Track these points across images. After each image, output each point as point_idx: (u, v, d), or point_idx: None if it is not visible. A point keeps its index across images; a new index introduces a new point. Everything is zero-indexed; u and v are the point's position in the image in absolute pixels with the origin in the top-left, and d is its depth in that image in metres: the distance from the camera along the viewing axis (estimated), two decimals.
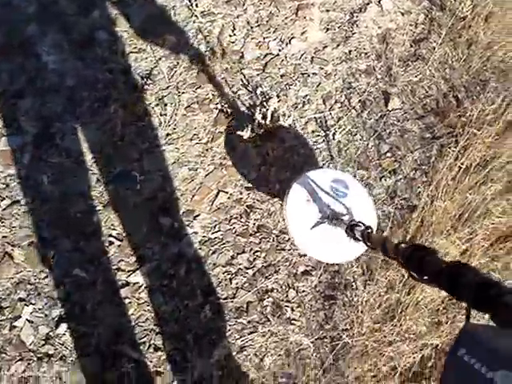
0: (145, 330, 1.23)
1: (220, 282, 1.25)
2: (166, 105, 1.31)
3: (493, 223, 1.22)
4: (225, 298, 1.24)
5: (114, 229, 1.26)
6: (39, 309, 1.21)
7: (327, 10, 1.30)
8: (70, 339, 1.19)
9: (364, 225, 0.80)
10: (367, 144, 1.19)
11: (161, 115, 1.30)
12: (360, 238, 0.78)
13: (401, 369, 1.19)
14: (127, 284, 1.25)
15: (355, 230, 0.84)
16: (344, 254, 1.05)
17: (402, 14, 1.30)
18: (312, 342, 1.24)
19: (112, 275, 1.24)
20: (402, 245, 0.56)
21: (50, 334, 1.18)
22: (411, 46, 1.28)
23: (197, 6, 1.35)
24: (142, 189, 1.27)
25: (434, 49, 1.27)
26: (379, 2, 1.31)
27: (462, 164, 1.20)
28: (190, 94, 1.32)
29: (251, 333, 1.22)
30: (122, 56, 1.34)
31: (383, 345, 1.20)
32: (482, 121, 1.27)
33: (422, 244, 0.52)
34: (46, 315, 1.19)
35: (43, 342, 1.17)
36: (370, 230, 0.76)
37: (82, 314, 1.21)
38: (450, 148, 1.22)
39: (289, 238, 1.27)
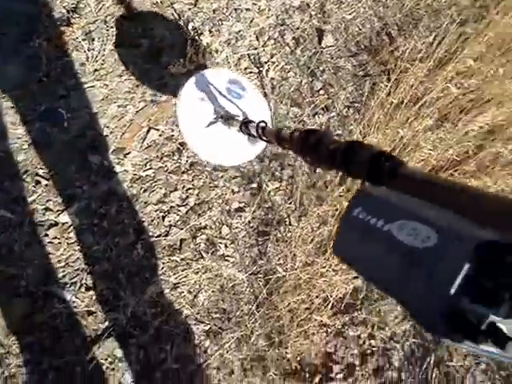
0: (76, 269, 1.49)
1: (152, 220, 1.53)
2: (93, 39, 1.55)
3: (422, 157, 1.58)
4: (157, 236, 1.52)
5: (40, 168, 1.50)
6: None
7: None
8: None
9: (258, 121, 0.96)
10: (301, 81, 1.44)
11: (88, 50, 1.54)
12: (254, 134, 0.97)
13: (333, 300, 1.52)
14: (56, 224, 1.50)
15: (249, 126, 1.02)
16: (239, 154, 1.26)
17: None
18: (246, 277, 1.56)
19: (40, 215, 1.49)
20: (296, 132, 0.67)
21: None
22: None
23: None
24: (70, 126, 1.52)
25: None
26: None
27: (394, 99, 1.53)
28: (119, 28, 1.59)
29: (184, 269, 1.51)
30: None
31: (316, 277, 1.52)
32: (413, 57, 1.50)
33: (316, 128, 0.73)
34: None
35: None
36: (263, 124, 0.93)
37: (9, 255, 1.45)
38: (382, 84, 1.52)
39: (222, 175, 1.58)
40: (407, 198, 0.36)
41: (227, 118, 1.17)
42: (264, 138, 0.90)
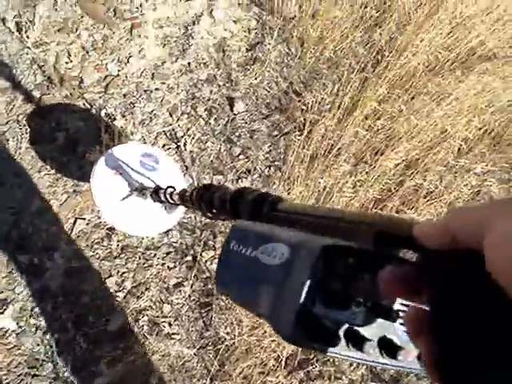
0: (18, 375, 1.77)
1: (90, 311, 1.87)
2: (8, 140, 1.95)
3: (346, 201, 2.01)
4: (98, 326, 1.85)
5: None
6: None
7: (161, 27, 1.93)
8: None
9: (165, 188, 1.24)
10: (219, 149, 1.82)
11: (3, 151, 1.94)
12: (163, 199, 1.25)
13: (285, 358, 1.87)
14: None
15: (159, 193, 1.30)
16: (158, 224, 1.57)
17: (235, 22, 1.97)
18: (195, 352, 1.88)
19: None
20: (195, 190, 0.86)
21: None
22: (247, 51, 1.97)
23: (28, 37, 2.02)
24: None
25: (269, 51, 1.95)
26: (211, 12, 1.93)
27: (309, 151, 1.97)
28: (33, 126, 1.99)
29: (131, 355, 1.84)
30: None
31: (264, 339, 1.88)
32: (321, 109, 1.90)
33: (211, 183, 0.83)
34: None
35: None
36: (171, 190, 1.20)
37: None
38: (295, 139, 1.98)
39: (155, 254, 1.94)
40: (271, 226, 0.47)
41: (141, 190, 1.48)
42: (172, 202, 1.20)
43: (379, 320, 0.38)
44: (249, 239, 0.46)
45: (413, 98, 1.91)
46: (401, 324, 0.39)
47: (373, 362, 0.38)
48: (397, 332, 0.39)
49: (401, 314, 0.39)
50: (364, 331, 0.38)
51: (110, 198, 1.53)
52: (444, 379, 0.28)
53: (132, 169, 1.55)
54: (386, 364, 0.39)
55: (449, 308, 0.29)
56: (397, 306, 0.39)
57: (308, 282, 0.35)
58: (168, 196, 1.22)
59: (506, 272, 0.24)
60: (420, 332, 0.31)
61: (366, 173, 1.84)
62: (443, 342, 0.29)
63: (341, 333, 0.37)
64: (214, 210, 0.78)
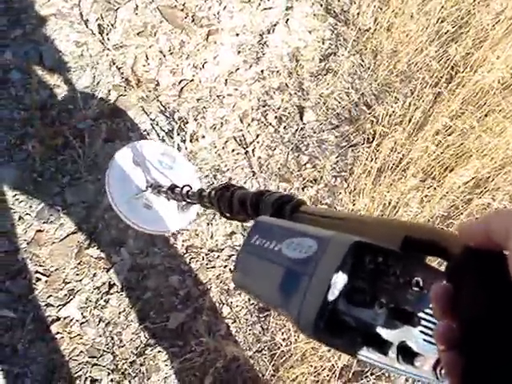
0: (79, 363, 1.86)
1: (152, 307, 1.95)
2: (84, 137, 2.08)
3: (410, 216, 2.02)
4: (159, 322, 1.93)
5: (40, 265, 1.93)
6: None
7: (237, 34, 2.00)
8: (5, 382, 1.83)
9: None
10: (287, 157, 1.86)
11: (79, 148, 2.05)
12: (179, 198, 1.28)
13: (340, 369, 1.89)
14: (58, 319, 1.90)
15: (175, 191, 1.33)
16: (170, 222, 1.59)
17: (310, 32, 2.02)
18: (250, 356, 1.94)
19: (42, 312, 1.90)
20: (213, 190, 0.87)
21: None
22: (320, 61, 2.01)
23: (109, 39, 2.15)
24: (66, 222, 1.99)
25: (343, 62, 1.98)
26: (286, 22, 2.00)
27: (377, 164, 2.00)
28: (108, 125, 2.12)
29: (189, 352, 1.90)
30: (36, 94, 2.11)
31: (320, 347, 1.90)
32: (391, 122, 1.92)
33: (231, 183, 0.85)
34: None
35: None
36: (188, 188, 1.22)
37: (13, 354, 1.85)
38: (364, 151, 2.02)
39: (218, 256, 2.01)
40: (299, 224, 0.49)
41: (156, 187, 1.52)
42: (189, 200, 1.23)
43: (400, 324, 0.39)
44: (273, 233, 0.47)
45: (486, 115, 1.91)
46: (421, 332, 0.40)
47: (388, 365, 0.39)
48: (416, 339, 0.40)
49: (422, 321, 0.40)
50: (384, 334, 0.38)
51: (124, 192, 1.58)
52: None
53: (151, 164, 1.60)
54: (401, 370, 0.39)
55: (479, 322, 0.29)
56: (420, 313, 0.40)
57: (335, 276, 0.36)
58: (184, 194, 1.27)
59: None
60: (448, 345, 0.32)
61: (434, 189, 1.85)
62: (472, 356, 0.29)
63: (361, 333, 0.37)
64: (233, 211, 0.79)
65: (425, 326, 0.40)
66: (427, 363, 0.39)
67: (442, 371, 0.40)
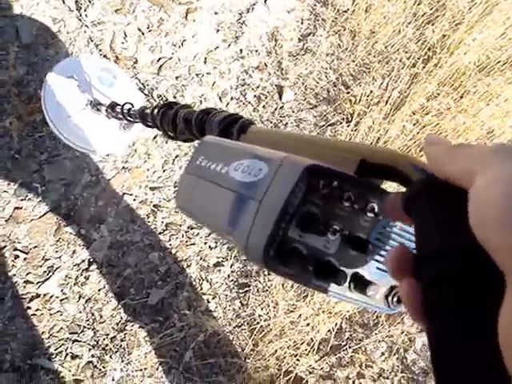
0: (60, 339, 1.94)
1: (133, 283, 2.04)
2: None
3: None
4: (139, 299, 2.02)
5: (18, 242, 2.00)
6: None
7: (216, 13, 2.07)
8: None
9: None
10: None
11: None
12: (120, 116, 1.30)
13: (318, 343, 2.01)
14: (37, 296, 1.96)
15: (116, 108, 1.34)
16: (110, 142, 1.63)
17: (288, 12, 2.10)
18: (230, 331, 2.05)
19: (21, 289, 1.97)
20: (157, 108, 0.87)
21: None
22: (299, 41, 2.09)
23: (86, 16, 2.22)
24: (45, 199, 2.05)
25: (321, 42, 2.06)
26: (265, 2, 2.06)
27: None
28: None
29: (168, 328, 2.00)
30: (13, 70, 2.18)
31: (299, 323, 2.02)
32: (369, 102, 2.12)
33: (175, 101, 0.85)
34: None
35: None
36: (129, 106, 1.22)
37: None
38: (342, 129, 2.15)
39: (198, 233, 2.11)
40: (249, 145, 0.47)
41: (96, 104, 1.51)
42: (129, 119, 1.22)
43: (353, 252, 0.39)
44: (219, 155, 0.45)
45: (461, 96, 2.04)
46: (374, 260, 0.40)
47: (340, 294, 0.39)
48: (369, 267, 0.40)
49: (376, 248, 0.40)
50: (337, 262, 0.38)
51: (62, 109, 1.57)
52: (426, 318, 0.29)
53: (90, 81, 1.58)
54: (353, 299, 0.39)
55: (436, 256, 0.29)
56: (374, 240, 0.40)
57: (286, 200, 0.35)
58: (125, 112, 1.27)
59: (484, 227, 0.25)
60: (403, 271, 0.32)
61: None
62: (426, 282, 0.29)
63: (313, 261, 0.37)
64: (177, 130, 0.77)
65: (378, 254, 0.40)
66: (379, 292, 0.40)
67: (394, 299, 0.41)
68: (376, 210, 0.40)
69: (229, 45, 2.07)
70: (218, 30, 2.08)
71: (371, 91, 2.01)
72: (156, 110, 0.88)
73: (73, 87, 1.59)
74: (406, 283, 0.31)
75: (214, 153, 0.47)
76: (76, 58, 1.65)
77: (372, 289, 0.39)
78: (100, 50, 1.98)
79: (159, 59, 2.02)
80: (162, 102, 0.87)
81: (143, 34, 2.03)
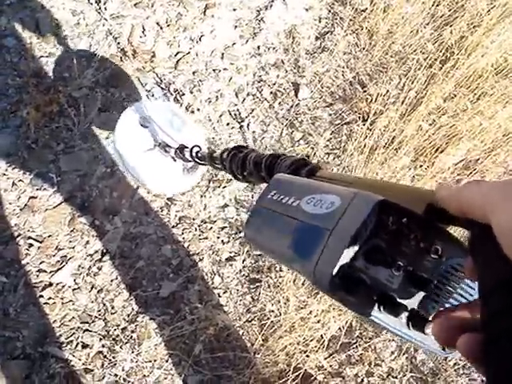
0: (71, 328, 1.99)
1: (145, 276, 2.10)
2: (79, 105, 2.21)
3: None
4: (151, 291, 2.08)
5: (32, 231, 2.06)
6: None
7: (234, 9, 2.13)
8: None
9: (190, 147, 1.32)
10: (281, 133, 2.00)
11: (74, 116, 2.16)
12: (189, 158, 1.37)
13: (328, 340, 2.05)
14: (50, 285, 2.02)
15: (184, 151, 1.44)
16: (174, 184, 1.76)
17: (306, 10, 2.16)
18: (240, 326, 2.10)
19: (34, 277, 2.02)
20: (226, 152, 0.92)
21: None
22: (317, 39, 2.14)
23: (105, 9, 2.29)
24: (60, 189, 2.10)
25: (338, 41, 2.12)
26: None
27: (370, 141, 2.16)
28: (104, 94, 2.26)
29: (179, 321, 2.05)
30: (32, 60, 2.22)
31: (309, 319, 2.07)
32: (386, 102, 2.14)
33: (242, 145, 0.90)
34: None
35: None
36: (197, 148, 1.30)
37: (5, 318, 1.93)
38: (358, 128, 2.15)
39: (211, 227, 2.16)
40: (320, 182, 0.51)
41: (164, 146, 1.65)
42: (198, 161, 1.30)
43: (414, 290, 0.41)
44: (291, 189, 0.48)
45: (478, 98, 2.08)
46: (434, 300, 0.41)
47: (397, 330, 0.40)
48: (428, 307, 0.41)
49: (437, 289, 0.41)
50: (398, 297, 0.40)
51: (132, 148, 1.73)
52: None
53: (160, 124, 1.73)
54: (410, 336, 0.41)
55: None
56: (435, 281, 0.41)
57: (356, 231, 0.37)
58: (194, 155, 1.36)
59: None
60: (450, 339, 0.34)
61: (425, 168, 2.03)
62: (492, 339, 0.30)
63: (376, 293, 0.39)
64: (246, 173, 0.81)
65: (438, 295, 0.41)
66: None
67: None
68: (440, 252, 0.41)
69: (246, 41, 2.13)
70: (235, 27, 2.14)
71: (388, 91, 2.06)
72: (226, 154, 0.94)
73: (142, 130, 1.75)
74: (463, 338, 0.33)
75: (286, 188, 0.50)
76: (153, 101, 1.82)
77: (430, 327, 0.39)
78: (118, 44, 2.05)
79: (177, 54, 2.08)
80: (230, 147, 0.93)
81: (161, 28, 2.09)
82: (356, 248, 0.38)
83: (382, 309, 0.40)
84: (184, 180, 1.79)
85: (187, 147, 1.46)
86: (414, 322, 0.41)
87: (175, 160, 1.62)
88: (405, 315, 0.40)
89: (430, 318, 0.41)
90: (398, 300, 0.40)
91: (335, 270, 0.38)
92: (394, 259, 0.40)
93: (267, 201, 0.50)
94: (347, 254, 0.38)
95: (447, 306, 0.41)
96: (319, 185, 0.48)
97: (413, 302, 0.41)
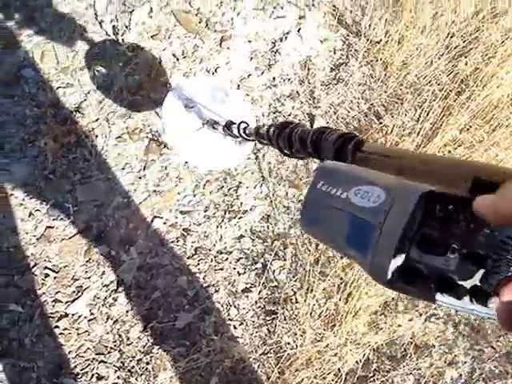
0: (86, 359, 2.00)
1: (160, 306, 2.10)
2: (96, 136, 2.20)
3: None
4: (166, 322, 2.07)
5: (49, 261, 2.07)
6: None
7: (249, 41, 2.16)
8: (10, 375, 1.96)
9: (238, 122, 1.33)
10: (296, 163, 2.02)
11: (91, 147, 2.19)
12: (237, 134, 1.38)
13: (345, 374, 2.04)
14: (66, 315, 2.03)
15: (232, 127, 1.44)
16: (229, 157, 1.77)
17: (321, 42, 2.19)
18: (256, 358, 2.09)
19: (49, 307, 2.03)
20: (272, 127, 0.93)
21: None
22: (331, 71, 2.18)
23: (123, 40, 2.36)
24: (76, 220, 2.13)
25: (353, 72, 2.15)
26: (298, 31, 2.16)
27: None
28: (120, 125, 2.26)
29: (195, 352, 2.05)
30: (50, 91, 2.26)
31: (326, 351, 2.06)
32: (401, 133, 2.27)
33: (290, 120, 1.05)
34: None
35: None
36: (245, 125, 1.30)
37: (20, 348, 1.96)
38: None
39: (227, 258, 2.17)
40: (364, 169, 0.52)
41: (212, 123, 1.67)
42: (245, 137, 1.30)
43: (472, 267, 0.41)
44: (339, 180, 0.49)
45: (494, 129, 2.10)
46: (494, 273, 0.41)
47: (463, 307, 0.41)
48: (489, 280, 0.41)
49: (495, 262, 0.41)
50: (456, 277, 0.40)
51: (181, 131, 1.76)
52: None
53: (203, 100, 1.75)
54: (476, 310, 0.41)
55: None
56: (492, 255, 0.41)
57: (405, 225, 0.38)
58: (242, 131, 1.36)
59: None
60: None
61: None
62: None
63: (435, 279, 0.40)
64: (293, 149, 0.83)
65: (499, 266, 0.41)
66: None
67: None
68: (491, 226, 0.41)
69: (262, 72, 2.16)
70: (251, 58, 2.17)
71: (403, 122, 2.08)
72: (272, 130, 0.95)
73: (188, 109, 1.77)
74: None
75: (333, 178, 0.51)
76: (188, 79, 1.88)
77: (493, 301, 0.40)
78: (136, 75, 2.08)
79: None
80: (277, 123, 0.94)
81: (178, 60, 2.12)
82: (408, 241, 0.39)
83: (443, 293, 0.40)
84: (238, 151, 1.80)
85: (234, 123, 1.44)
86: (476, 297, 0.41)
87: (225, 136, 1.64)
88: (467, 293, 0.41)
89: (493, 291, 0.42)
90: (459, 282, 0.41)
91: (391, 266, 0.39)
92: (447, 243, 0.40)
93: (317, 192, 0.52)
94: (400, 248, 0.39)
95: (510, 274, 0.41)
96: (363, 174, 0.49)
97: (474, 280, 0.42)
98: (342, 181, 0.50)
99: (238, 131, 1.40)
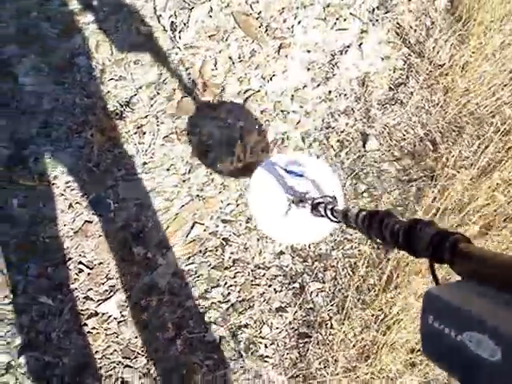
0: (112, 362, 1.96)
1: (192, 316, 2.05)
2: (144, 133, 2.17)
3: None
4: (197, 332, 2.03)
5: (84, 256, 2.03)
6: (1, 336, 1.72)
7: (308, 51, 2.11)
8: (33, 369, 1.93)
9: (325, 200, 1.36)
10: (345, 183, 1.96)
11: (138, 143, 2.15)
12: (324, 215, 1.33)
13: None
14: (96, 314, 1.99)
15: (319, 207, 1.41)
16: (318, 230, 1.75)
17: (382, 59, 2.13)
18: (285, 380, 2.03)
19: (80, 304, 1.99)
20: (363, 212, 0.91)
21: (12, 362, 1.69)
22: (390, 90, 2.12)
23: (180, 38, 2.28)
24: (116, 217, 2.08)
25: (412, 94, 2.09)
26: (360, 46, 2.12)
27: (440, 206, 2.11)
28: (169, 125, 2.19)
29: (223, 368, 2.00)
30: (101, 82, 2.21)
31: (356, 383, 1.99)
32: (458, 165, 2.08)
33: (377, 209, 0.87)
34: (7, 343, 1.72)
35: (3, 372, 1.66)
36: (331, 206, 1.27)
37: (46, 343, 1.91)
38: (429, 189, 1.99)
39: (264, 273, 2.11)
40: (468, 290, 0.52)
41: (298, 201, 1.66)
42: (333, 219, 1.25)
43: None
44: (449, 318, 0.49)
45: None
46: None
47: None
48: None
49: None
50: None
51: (270, 215, 1.74)
52: None
53: (283, 178, 1.74)
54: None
55: None
56: None
57: None
58: (329, 212, 1.32)
59: None
60: None
61: (493, 240, 1.96)
62: None
63: None
64: (383, 239, 0.82)
65: None
66: None
67: None
68: None
69: (318, 85, 2.10)
70: (308, 69, 2.12)
71: (460, 152, 2.01)
72: (361, 215, 0.93)
73: (271, 191, 1.75)
74: None
75: (442, 313, 0.51)
76: (260, 167, 1.80)
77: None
78: (189, 74, 2.03)
79: (246, 91, 2.06)
80: (365, 210, 0.93)
81: (234, 63, 2.07)
82: None
83: None
84: (326, 226, 1.79)
85: (322, 202, 1.44)
86: None
87: (315, 216, 1.58)
88: None
89: None
90: None
91: None
92: None
93: (430, 329, 0.51)
94: None
95: None
96: (473, 312, 0.47)
97: None
98: (451, 319, 0.49)
99: (325, 212, 1.36)
